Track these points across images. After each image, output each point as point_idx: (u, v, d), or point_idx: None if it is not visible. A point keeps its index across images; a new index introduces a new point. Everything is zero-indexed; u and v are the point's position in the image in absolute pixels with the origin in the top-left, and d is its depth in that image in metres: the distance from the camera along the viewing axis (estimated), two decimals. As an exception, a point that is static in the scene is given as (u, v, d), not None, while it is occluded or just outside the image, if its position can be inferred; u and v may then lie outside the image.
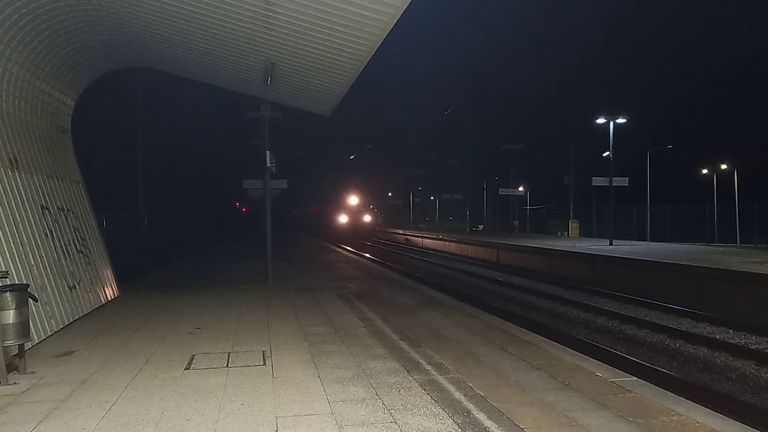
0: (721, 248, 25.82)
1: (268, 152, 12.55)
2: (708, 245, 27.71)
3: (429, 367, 6.58)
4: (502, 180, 45.66)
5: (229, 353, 7.39)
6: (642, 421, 4.90)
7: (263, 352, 7.43)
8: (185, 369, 6.69)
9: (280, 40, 9.93)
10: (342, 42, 9.40)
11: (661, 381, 7.32)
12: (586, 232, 34.79)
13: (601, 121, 27.45)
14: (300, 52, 10.43)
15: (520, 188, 43.06)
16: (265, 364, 6.84)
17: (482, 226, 45.86)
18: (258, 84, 12.47)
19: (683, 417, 4.98)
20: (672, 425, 4.80)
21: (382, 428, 4.76)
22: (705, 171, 34.06)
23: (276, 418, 5.03)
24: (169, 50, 11.93)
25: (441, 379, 6.14)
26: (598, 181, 27.64)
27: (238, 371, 6.55)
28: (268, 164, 12.34)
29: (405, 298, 12.07)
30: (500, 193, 42.11)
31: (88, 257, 11.23)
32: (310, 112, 13.77)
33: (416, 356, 7.10)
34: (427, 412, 5.14)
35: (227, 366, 6.79)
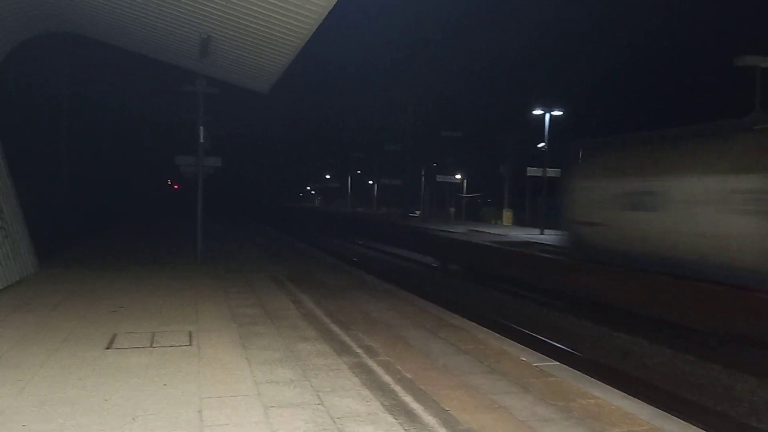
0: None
1: (201, 128, 12.16)
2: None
3: (359, 350, 6.61)
4: (440, 167, 46.18)
5: (153, 333, 7.15)
6: (561, 403, 5.10)
7: (190, 332, 7.23)
8: (106, 348, 6.42)
9: (218, 11, 9.59)
10: (282, 17, 9.17)
11: (581, 366, 7.66)
12: (519, 222, 35.77)
13: (537, 112, 28.20)
14: (238, 25, 10.11)
15: (458, 176, 43.70)
16: (191, 344, 6.66)
17: (419, 212, 46.29)
18: (193, 57, 12.02)
19: (600, 400, 5.23)
20: (589, 408, 5.03)
21: (309, 410, 4.75)
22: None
23: (200, 399, 4.92)
24: (97, 15, 11.30)
25: (370, 361, 6.18)
26: (532, 171, 28.44)
27: (162, 351, 6.34)
28: (201, 140, 11.97)
29: (338, 281, 12.04)
30: (437, 179, 42.65)
31: (4, 229, 10.55)
32: (247, 89, 13.41)
33: (346, 339, 7.11)
34: (355, 394, 5.17)
35: (151, 346, 6.57)
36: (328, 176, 74.58)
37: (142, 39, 12.62)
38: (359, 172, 67.36)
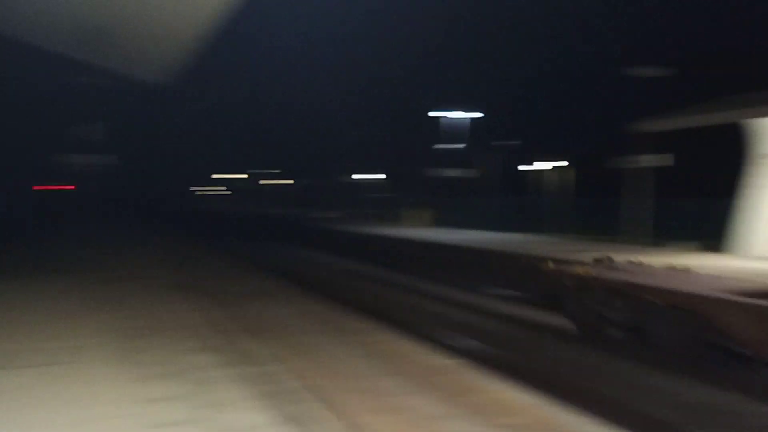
0: (541, 237, 22.21)
1: (94, 124, 11.28)
2: (539, 234, 28.55)
3: (258, 359, 6.22)
4: (357, 167, 46.07)
5: (18, 350, 6.32)
6: (461, 399, 5.07)
7: (66, 348, 6.45)
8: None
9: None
10: (179, 9, 8.67)
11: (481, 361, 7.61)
12: (437, 222, 36.15)
13: (457, 115, 28.74)
14: (132, 13, 9.46)
15: (376, 176, 43.78)
16: (66, 362, 5.96)
17: (337, 214, 45.94)
18: (84, 45, 11.15)
19: (497, 393, 5.25)
20: (488, 402, 5.05)
21: (198, 427, 4.36)
22: (546, 166, 36.33)
23: (73, 423, 4.40)
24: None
25: (270, 369, 5.83)
26: (448, 172, 29.03)
27: (31, 371, 5.63)
28: (93, 136, 11.10)
29: (236, 287, 11.31)
30: (354, 179, 42.67)
31: None
32: (145, 80, 12.57)
33: (244, 348, 6.66)
34: (252, 405, 4.82)
35: (16, 366, 5.80)
36: (241, 175, 72.14)
37: (26, 25, 11.59)
38: (275, 171, 65.90)
